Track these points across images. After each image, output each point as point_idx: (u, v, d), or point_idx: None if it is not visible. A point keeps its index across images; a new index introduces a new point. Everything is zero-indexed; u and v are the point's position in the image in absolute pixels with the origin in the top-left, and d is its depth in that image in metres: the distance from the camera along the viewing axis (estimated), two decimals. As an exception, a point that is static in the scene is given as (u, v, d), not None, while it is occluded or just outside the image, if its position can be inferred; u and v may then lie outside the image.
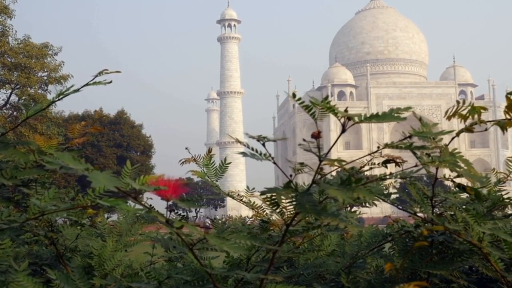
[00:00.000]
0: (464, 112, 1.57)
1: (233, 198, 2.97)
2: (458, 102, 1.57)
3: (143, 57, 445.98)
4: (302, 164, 1.48)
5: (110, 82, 1.90)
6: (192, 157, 3.07)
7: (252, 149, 1.45)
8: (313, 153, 1.33)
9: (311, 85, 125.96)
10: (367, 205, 2.19)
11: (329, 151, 1.33)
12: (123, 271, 2.44)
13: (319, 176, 1.41)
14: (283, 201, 1.61)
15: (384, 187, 2.69)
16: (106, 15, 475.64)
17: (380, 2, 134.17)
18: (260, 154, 1.43)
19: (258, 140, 1.39)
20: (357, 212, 3.11)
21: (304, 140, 1.36)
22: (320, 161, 1.36)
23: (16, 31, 39.90)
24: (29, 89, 39.42)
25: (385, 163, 1.92)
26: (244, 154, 1.42)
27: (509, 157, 2.40)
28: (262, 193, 1.46)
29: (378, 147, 1.42)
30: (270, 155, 1.43)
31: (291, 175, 1.45)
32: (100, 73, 1.85)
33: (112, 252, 2.45)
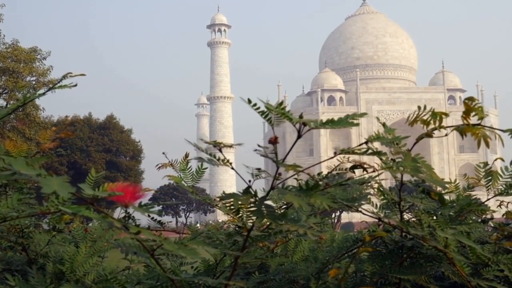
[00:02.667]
0: (425, 118, 1.57)
1: (210, 203, 2.97)
2: (419, 107, 1.58)
3: (134, 62, 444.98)
4: (259, 169, 1.48)
5: (75, 85, 1.89)
6: (169, 162, 3.07)
7: (210, 154, 1.44)
8: (269, 158, 1.33)
9: (301, 90, 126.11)
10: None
11: (285, 157, 1.33)
12: (95, 277, 2.43)
13: (277, 182, 1.41)
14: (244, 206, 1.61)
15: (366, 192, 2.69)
16: (99, 20, 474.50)
17: (370, 7, 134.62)
18: (218, 159, 1.43)
19: (214, 146, 1.38)
20: (332, 217, 3.10)
21: (258, 145, 1.36)
22: (277, 166, 1.35)
23: (4, 35, 39.79)
24: (17, 93, 39.26)
25: (352, 169, 1.93)
26: (200, 159, 1.41)
27: (480, 162, 2.40)
28: (221, 198, 1.46)
29: (335, 153, 1.42)
30: (228, 160, 1.43)
31: (249, 181, 1.45)
32: (64, 77, 1.84)
33: (85, 258, 2.44)
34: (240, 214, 1.62)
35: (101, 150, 63.25)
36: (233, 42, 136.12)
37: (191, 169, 2.79)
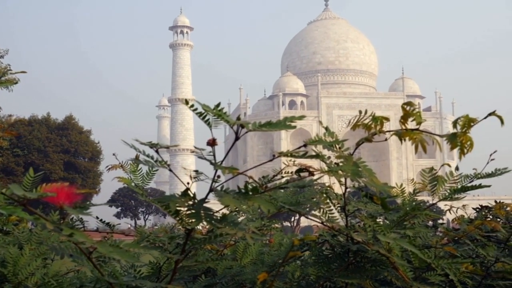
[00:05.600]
0: (366, 122, 1.57)
1: (156, 204, 2.94)
2: (360, 112, 1.58)
3: (97, 61, 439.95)
4: (197, 171, 1.46)
5: (16, 82, 1.85)
6: (120, 163, 3.04)
7: (148, 155, 1.42)
8: (207, 160, 1.32)
9: (263, 93, 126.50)
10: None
11: (222, 161, 1.31)
12: (38, 280, 2.38)
13: (216, 184, 1.39)
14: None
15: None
16: (68, 21, 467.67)
17: (332, 13, 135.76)
18: (156, 161, 1.40)
19: (151, 147, 1.36)
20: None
21: (195, 147, 1.35)
22: (215, 169, 1.34)
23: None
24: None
25: (297, 172, 1.92)
26: (137, 160, 1.39)
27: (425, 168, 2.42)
28: (159, 200, 1.44)
29: (273, 156, 1.41)
30: (166, 162, 1.41)
31: (188, 183, 1.43)
32: (4, 74, 1.80)
33: (29, 261, 2.39)
34: (180, 217, 1.60)
35: (59, 151, 62.45)
36: (197, 44, 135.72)
37: (141, 171, 2.76)
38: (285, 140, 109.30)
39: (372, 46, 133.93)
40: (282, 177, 1.95)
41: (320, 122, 1.77)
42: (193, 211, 1.40)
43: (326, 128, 1.67)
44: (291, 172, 2.02)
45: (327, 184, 2.30)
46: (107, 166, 3.17)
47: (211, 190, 1.43)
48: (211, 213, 1.41)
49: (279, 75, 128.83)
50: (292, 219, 59.58)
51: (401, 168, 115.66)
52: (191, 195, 1.43)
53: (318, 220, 1.98)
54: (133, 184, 2.74)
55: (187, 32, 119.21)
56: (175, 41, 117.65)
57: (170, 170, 1.42)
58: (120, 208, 75.59)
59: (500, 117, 1.52)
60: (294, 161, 2.05)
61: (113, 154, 3.19)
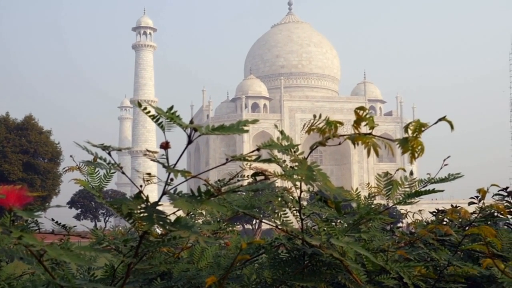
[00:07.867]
0: (320, 126, 1.59)
1: (109, 207, 2.92)
2: (314, 116, 1.59)
3: (66, 60, 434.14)
4: (149, 174, 1.46)
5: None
6: (77, 165, 3.01)
7: (100, 158, 1.41)
8: (160, 163, 1.31)
9: (226, 96, 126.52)
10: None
11: (175, 164, 1.31)
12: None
13: (169, 187, 1.39)
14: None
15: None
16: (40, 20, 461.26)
17: (295, 17, 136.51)
18: (109, 163, 1.39)
19: (103, 149, 1.35)
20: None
21: (148, 150, 1.34)
22: (168, 172, 1.33)
23: None
24: None
25: (253, 176, 1.93)
26: (89, 162, 1.38)
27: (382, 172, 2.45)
28: (112, 203, 1.43)
29: (227, 159, 1.41)
30: (118, 164, 1.40)
31: (141, 186, 1.42)
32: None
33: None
34: (133, 220, 1.59)
35: (18, 151, 61.45)
36: (161, 45, 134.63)
37: (98, 173, 2.74)
38: (248, 143, 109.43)
39: (335, 50, 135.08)
40: (238, 180, 1.95)
41: (276, 126, 1.78)
42: (146, 214, 1.39)
43: (281, 132, 1.68)
44: (247, 176, 2.03)
45: (289, 188, 2.31)
46: (64, 168, 3.13)
47: (164, 193, 1.42)
48: (164, 216, 1.40)
49: (242, 77, 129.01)
50: (254, 222, 59.63)
51: (362, 172, 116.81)
52: (144, 197, 1.42)
53: (272, 223, 1.99)
54: (90, 186, 2.72)
55: (150, 33, 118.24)
56: (138, 42, 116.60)
57: (123, 173, 1.41)
58: (80, 209, 74.82)
59: (450, 122, 1.55)
60: (250, 165, 2.06)
61: (71, 156, 3.15)
